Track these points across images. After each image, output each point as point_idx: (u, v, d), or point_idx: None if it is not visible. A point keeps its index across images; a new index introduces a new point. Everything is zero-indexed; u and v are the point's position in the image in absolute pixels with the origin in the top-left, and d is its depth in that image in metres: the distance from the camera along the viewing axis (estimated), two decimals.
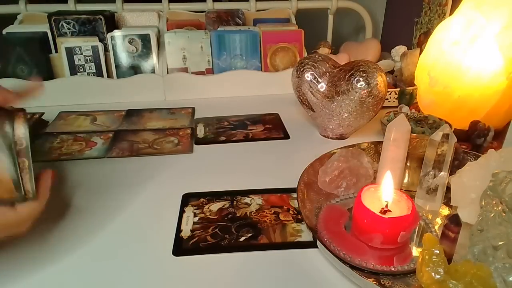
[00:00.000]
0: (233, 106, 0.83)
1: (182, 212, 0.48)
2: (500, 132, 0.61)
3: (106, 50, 0.84)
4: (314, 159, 0.56)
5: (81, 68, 0.83)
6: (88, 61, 0.83)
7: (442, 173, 0.46)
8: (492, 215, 0.35)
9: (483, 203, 0.37)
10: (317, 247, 0.42)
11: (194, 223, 0.46)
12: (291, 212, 0.49)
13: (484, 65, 0.59)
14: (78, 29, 0.85)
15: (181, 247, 0.43)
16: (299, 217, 0.47)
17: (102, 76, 0.84)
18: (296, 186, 0.49)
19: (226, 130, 0.72)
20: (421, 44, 0.89)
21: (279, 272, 0.40)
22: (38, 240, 0.43)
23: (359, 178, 0.51)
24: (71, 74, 0.83)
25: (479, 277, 0.31)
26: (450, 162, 0.46)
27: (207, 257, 0.41)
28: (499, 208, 0.35)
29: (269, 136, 0.70)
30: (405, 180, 0.53)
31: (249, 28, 0.90)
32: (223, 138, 0.69)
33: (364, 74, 0.59)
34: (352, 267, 0.38)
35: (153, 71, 0.86)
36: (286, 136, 0.70)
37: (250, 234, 0.45)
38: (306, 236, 0.44)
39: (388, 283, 0.37)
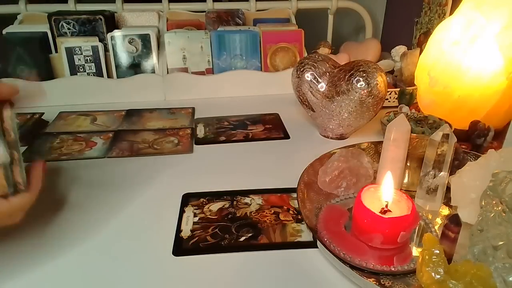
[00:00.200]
0: (233, 106, 0.83)
1: (182, 212, 0.48)
2: (500, 132, 0.61)
3: (106, 50, 0.84)
4: (314, 159, 0.56)
5: (81, 68, 0.83)
6: (88, 61, 0.83)
7: (442, 173, 0.46)
8: (492, 215, 0.35)
9: (483, 203, 0.37)
10: (317, 247, 0.42)
11: (194, 223, 0.46)
12: (291, 212, 0.49)
13: (484, 65, 0.59)
14: (78, 29, 0.85)
15: (181, 247, 0.43)
16: (299, 217, 0.47)
17: (102, 76, 0.84)
18: (296, 186, 0.49)
19: (226, 130, 0.72)
20: (421, 44, 0.89)
21: (279, 272, 0.40)
22: (38, 240, 0.43)
23: (359, 178, 0.51)
24: (71, 74, 0.83)
25: (479, 277, 0.31)
26: (450, 162, 0.46)
27: (207, 257, 0.41)
28: (499, 208, 0.35)
29: (269, 136, 0.70)
30: (405, 180, 0.53)
31: (249, 28, 0.90)
32: (223, 138, 0.69)
33: (364, 74, 0.59)
34: (352, 267, 0.38)
35: (153, 71, 0.86)
36: (286, 136, 0.70)
37: (250, 234, 0.45)
38: (306, 236, 0.44)
39: (388, 283, 0.37)
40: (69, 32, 0.84)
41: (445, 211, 0.48)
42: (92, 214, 0.48)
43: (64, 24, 0.84)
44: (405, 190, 0.52)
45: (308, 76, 0.64)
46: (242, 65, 0.89)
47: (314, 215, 0.46)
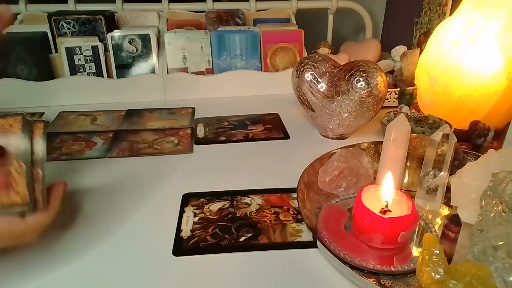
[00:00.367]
0: (233, 106, 0.83)
1: (182, 212, 0.48)
2: (500, 132, 0.61)
3: (106, 50, 0.84)
4: (314, 159, 0.56)
5: (81, 68, 0.83)
6: (88, 61, 0.83)
7: (442, 173, 0.46)
8: (492, 215, 0.35)
9: (483, 203, 0.37)
10: (317, 247, 0.42)
11: (194, 223, 0.46)
12: (291, 212, 0.49)
13: (484, 65, 0.59)
14: (78, 29, 0.85)
15: (181, 247, 0.43)
16: (299, 217, 0.47)
17: (102, 76, 0.84)
18: (296, 186, 0.49)
19: (226, 130, 0.72)
20: (421, 44, 0.89)
21: (279, 272, 0.40)
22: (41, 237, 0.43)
23: (359, 178, 0.51)
24: (71, 74, 0.83)
25: (479, 277, 0.31)
26: (450, 162, 0.46)
27: (207, 257, 0.41)
28: (499, 208, 0.35)
29: (269, 136, 0.70)
30: (405, 180, 0.53)
31: (249, 28, 0.90)
32: (223, 138, 0.69)
33: (364, 74, 0.59)
34: (352, 267, 0.38)
35: (153, 71, 0.86)
36: (286, 136, 0.70)
37: (250, 234, 0.45)
38: (306, 236, 0.44)
39: (388, 283, 0.37)
40: (69, 32, 0.84)
41: (445, 211, 0.48)
42: (92, 214, 0.48)
43: (64, 24, 0.84)
44: (405, 190, 0.52)
45: (308, 76, 0.64)
46: (242, 65, 0.89)
47: (314, 215, 0.46)
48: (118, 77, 0.85)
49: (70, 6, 0.94)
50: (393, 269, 0.38)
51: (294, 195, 0.51)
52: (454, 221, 0.36)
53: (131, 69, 0.85)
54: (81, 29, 0.85)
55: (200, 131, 0.71)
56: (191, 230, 0.45)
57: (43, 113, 0.75)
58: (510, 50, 0.57)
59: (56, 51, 0.84)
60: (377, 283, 0.36)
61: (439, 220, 0.46)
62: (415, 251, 0.41)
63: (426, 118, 0.56)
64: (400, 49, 0.86)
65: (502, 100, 0.60)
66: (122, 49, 0.84)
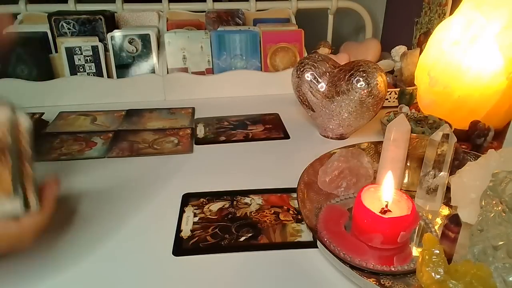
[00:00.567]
0: (233, 106, 0.83)
1: (182, 212, 0.48)
2: (500, 132, 0.61)
3: (106, 50, 0.84)
4: (314, 159, 0.56)
5: (81, 68, 0.83)
6: (88, 61, 0.83)
7: (442, 173, 0.46)
8: (492, 215, 0.35)
9: (483, 203, 0.37)
10: (317, 247, 0.42)
11: (194, 223, 0.46)
12: (291, 212, 0.49)
13: (484, 65, 0.59)
14: (78, 29, 0.85)
15: (181, 247, 0.43)
16: (299, 217, 0.47)
17: (102, 76, 0.84)
18: (296, 186, 0.49)
19: (226, 130, 0.72)
20: (421, 44, 0.89)
21: (279, 272, 0.40)
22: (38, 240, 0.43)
23: (359, 178, 0.51)
24: (71, 74, 0.83)
25: (479, 277, 0.31)
26: (450, 162, 0.46)
27: (207, 257, 0.41)
28: (499, 208, 0.35)
29: (269, 136, 0.70)
30: (405, 180, 0.53)
31: (249, 28, 0.90)
32: (223, 138, 0.69)
33: (364, 74, 0.59)
34: (352, 267, 0.38)
35: (153, 71, 0.86)
36: (286, 136, 0.70)
37: (250, 234, 0.45)
38: (306, 236, 0.44)
39: (388, 283, 0.37)
40: (69, 32, 0.84)
41: (445, 211, 0.48)
42: (92, 214, 0.48)
43: (64, 24, 0.84)
44: (405, 190, 0.52)
45: (308, 76, 0.64)
46: (242, 65, 0.89)
47: (314, 215, 0.46)
48: (118, 77, 0.85)
49: (70, 6, 0.93)
50: (393, 269, 0.38)
51: (294, 195, 0.51)
52: (454, 221, 0.36)
53: (131, 69, 0.85)
54: (81, 29, 0.85)
55: (200, 131, 0.71)
56: (191, 230, 0.45)
57: (43, 113, 0.75)
58: (510, 50, 0.57)
59: (56, 51, 0.84)
60: (377, 283, 0.36)
61: (439, 220, 0.46)
62: (415, 251, 0.41)
63: (426, 118, 0.56)
64: (400, 49, 0.86)
65: (502, 100, 0.60)
66: (122, 49, 0.84)
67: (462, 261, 0.33)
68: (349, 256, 0.39)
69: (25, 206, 0.35)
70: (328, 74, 0.64)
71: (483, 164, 0.44)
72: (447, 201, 0.48)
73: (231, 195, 0.52)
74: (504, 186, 0.35)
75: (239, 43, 0.87)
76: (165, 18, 0.94)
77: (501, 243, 0.33)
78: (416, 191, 0.49)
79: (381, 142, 0.50)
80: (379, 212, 0.40)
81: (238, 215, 0.48)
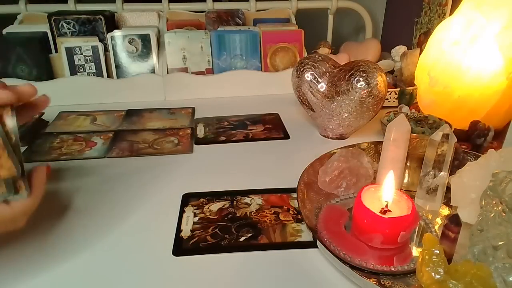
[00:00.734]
0: (233, 106, 0.83)
1: (182, 212, 0.48)
2: (500, 132, 0.61)
3: (106, 50, 0.84)
4: (314, 159, 0.56)
5: (81, 68, 0.83)
6: (88, 61, 0.83)
7: (442, 173, 0.46)
8: (492, 215, 0.35)
9: (483, 203, 0.37)
10: (317, 247, 0.42)
11: (194, 223, 0.46)
12: (291, 212, 0.49)
13: (484, 65, 0.59)
14: (78, 29, 0.85)
15: (181, 247, 0.43)
16: (299, 217, 0.47)
17: (102, 76, 0.84)
18: (296, 186, 0.49)
19: (226, 130, 0.72)
20: (421, 44, 0.89)
21: (279, 272, 0.40)
22: (37, 239, 0.43)
23: (359, 178, 0.51)
24: (71, 74, 0.83)
25: (479, 277, 0.31)
26: (450, 162, 0.46)
27: (207, 257, 0.41)
28: (499, 208, 0.35)
29: (269, 136, 0.70)
30: (405, 180, 0.53)
31: (249, 28, 0.90)
32: (223, 138, 0.69)
33: (364, 74, 0.59)
34: (352, 267, 0.38)
35: (153, 71, 0.86)
36: (286, 136, 0.70)
37: (250, 234, 0.45)
38: (306, 236, 0.44)
39: (388, 283, 0.37)
40: (69, 32, 0.84)
41: (445, 211, 0.48)
42: (92, 214, 0.48)
43: (64, 24, 0.84)
44: (405, 190, 0.52)
45: (308, 76, 0.64)
46: (242, 65, 0.89)
47: (314, 215, 0.46)
48: (118, 77, 0.85)
49: (70, 6, 0.94)
50: (393, 269, 0.38)
51: (294, 195, 0.51)
52: (454, 221, 0.36)
53: (131, 69, 0.85)
54: (81, 29, 0.85)
55: (200, 131, 0.71)
56: (191, 230, 0.45)
57: (43, 113, 0.75)
58: (510, 50, 0.57)
59: (56, 51, 0.84)
60: (377, 283, 0.36)
61: (439, 220, 0.46)
62: (415, 251, 0.41)
63: (426, 118, 0.56)
64: (400, 49, 0.86)
65: (502, 100, 0.60)
66: (122, 49, 0.84)
67: (462, 261, 0.33)
68: (349, 256, 0.39)
69: (14, 191, 0.36)
70: (328, 74, 0.64)
71: (483, 164, 0.44)
72: (447, 201, 0.48)
73: (231, 195, 0.52)
74: (504, 186, 0.35)
75: (239, 43, 0.87)
76: (165, 18, 0.94)
77: (501, 243, 0.33)
78: (416, 191, 0.49)
79: (381, 142, 0.50)
80: (379, 212, 0.40)
81: (238, 215, 0.48)
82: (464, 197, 0.44)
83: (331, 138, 0.68)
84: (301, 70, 0.64)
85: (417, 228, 0.44)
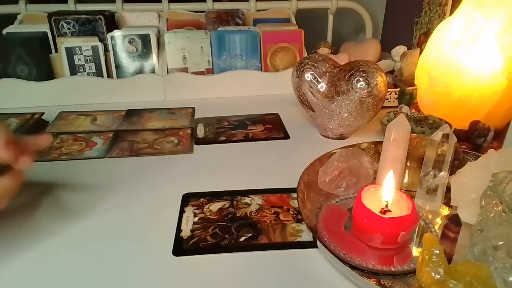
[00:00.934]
0: (233, 106, 0.83)
1: (182, 212, 0.48)
2: (500, 132, 0.61)
3: (106, 50, 0.84)
4: (314, 159, 0.56)
5: (81, 68, 0.83)
6: (88, 61, 0.83)
7: (442, 173, 0.46)
8: (492, 215, 0.35)
9: (483, 203, 0.37)
10: (317, 247, 0.42)
11: (194, 223, 0.46)
12: (291, 212, 0.49)
13: (484, 65, 0.59)
14: (78, 29, 0.85)
15: (181, 247, 0.43)
16: (299, 217, 0.47)
17: (102, 76, 0.84)
18: (296, 186, 0.49)
19: (226, 130, 0.72)
20: (421, 44, 0.89)
21: (279, 272, 0.40)
22: (37, 239, 0.43)
23: (359, 178, 0.51)
24: (71, 74, 0.83)
25: (479, 277, 0.31)
26: (450, 162, 0.46)
27: (207, 257, 0.41)
28: (499, 208, 0.35)
29: (269, 136, 0.70)
30: (405, 180, 0.53)
31: (249, 28, 0.90)
32: (223, 138, 0.69)
33: (364, 74, 0.59)
34: (352, 267, 0.37)
35: (153, 71, 0.86)
36: (286, 136, 0.70)
37: (250, 234, 0.45)
38: (306, 236, 0.44)
39: (388, 283, 0.37)
40: (69, 32, 0.84)
41: (445, 211, 0.48)
42: (92, 214, 0.48)
43: (64, 24, 0.84)
44: (405, 190, 0.52)
45: (308, 76, 0.64)
46: (242, 65, 0.89)
47: (314, 215, 0.46)
48: (118, 77, 0.85)
49: (70, 6, 0.94)
50: (393, 269, 0.38)
51: (294, 195, 0.51)
52: (454, 221, 0.36)
53: (131, 69, 0.85)
54: (81, 29, 0.85)
55: (200, 131, 0.71)
56: (191, 230, 0.45)
57: (43, 113, 0.75)
58: (510, 50, 0.57)
59: (56, 51, 0.84)
60: (377, 283, 0.36)
61: (439, 220, 0.46)
62: (415, 251, 0.41)
63: (426, 118, 0.56)
64: (400, 49, 0.86)
65: (502, 100, 0.60)
66: (122, 49, 0.84)
67: (462, 261, 0.33)
68: (349, 256, 0.39)
69: None
70: (328, 74, 0.64)
71: (483, 164, 0.44)
72: (447, 201, 0.48)
73: (231, 195, 0.52)
74: (504, 186, 0.35)
75: (239, 43, 0.87)
76: (165, 18, 0.94)
77: (501, 243, 0.33)
78: (416, 191, 0.49)
79: (381, 142, 0.50)
80: (379, 212, 0.40)
81: (238, 215, 0.48)
82: (464, 197, 0.44)
83: (331, 138, 0.68)
84: (301, 70, 0.64)
85: (417, 228, 0.44)
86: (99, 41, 0.84)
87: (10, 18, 0.90)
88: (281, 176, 0.56)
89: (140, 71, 0.86)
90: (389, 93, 0.79)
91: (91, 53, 0.83)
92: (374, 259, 0.39)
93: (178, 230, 0.45)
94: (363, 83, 0.59)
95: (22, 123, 0.71)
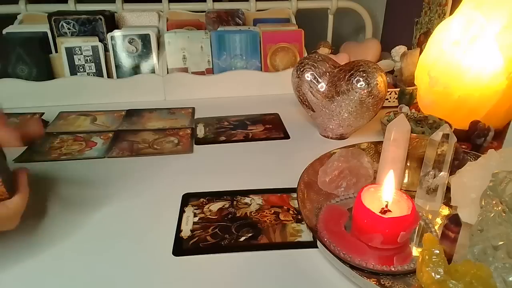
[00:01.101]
0: (233, 106, 0.83)
1: (182, 212, 0.48)
2: (500, 132, 0.61)
3: (106, 50, 0.84)
4: (314, 159, 0.56)
5: (81, 68, 0.83)
6: (88, 61, 0.83)
7: (442, 173, 0.46)
8: (492, 215, 0.35)
9: (483, 203, 0.37)
10: (317, 247, 0.42)
11: (194, 223, 0.46)
12: (291, 212, 0.49)
13: (484, 65, 0.59)
14: (78, 29, 0.85)
15: (181, 247, 0.43)
16: (299, 217, 0.47)
17: (102, 76, 0.84)
18: (296, 186, 0.49)
19: (226, 130, 0.72)
20: (421, 44, 0.89)
21: (279, 272, 0.40)
22: (36, 239, 0.43)
23: (359, 178, 0.51)
24: (71, 74, 0.83)
25: (479, 277, 0.31)
26: (450, 162, 0.46)
27: (207, 257, 0.41)
28: (499, 208, 0.35)
29: (269, 136, 0.70)
30: (405, 180, 0.53)
31: (249, 28, 0.90)
32: (223, 138, 0.69)
33: (364, 74, 0.59)
34: (352, 267, 0.37)
35: (153, 71, 0.86)
36: (286, 136, 0.70)
37: (250, 234, 0.45)
38: (306, 236, 0.44)
39: (388, 283, 0.37)
40: (69, 32, 0.84)
41: (445, 211, 0.48)
42: (92, 214, 0.48)
43: (64, 24, 0.84)
44: (405, 190, 0.52)
45: (308, 76, 0.64)
46: (242, 65, 0.89)
47: (314, 215, 0.46)
48: (118, 77, 0.85)
49: (70, 6, 0.94)
50: (393, 269, 0.38)
51: (294, 195, 0.51)
52: (454, 221, 0.36)
53: (131, 69, 0.85)
54: (81, 29, 0.85)
55: (200, 131, 0.71)
56: (191, 230, 0.45)
57: (43, 113, 0.75)
58: (510, 50, 0.57)
59: (56, 51, 0.84)
60: (377, 283, 0.36)
61: (439, 220, 0.46)
62: (415, 251, 0.41)
63: (426, 118, 0.56)
64: (400, 49, 0.86)
65: (502, 100, 0.60)
66: (122, 49, 0.84)
67: (462, 261, 0.33)
68: (349, 256, 0.39)
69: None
70: (328, 74, 0.64)
71: (483, 164, 0.44)
72: (447, 201, 0.48)
73: (231, 195, 0.52)
74: (504, 186, 0.35)
75: (239, 43, 0.87)
76: (165, 18, 0.94)
77: (501, 243, 0.33)
78: (416, 191, 0.49)
79: (381, 142, 0.50)
80: (379, 212, 0.40)
81: (238, 215, 0.48)
82: (464, 197, 0.44)
83: (331, 138, 0.68)
84: (301, 70, 0.64)
85: (417, 228, 0.44)
86: (99, 41, 0.84)
87: (10, 18, 0.90)
88: (281, 176, 0.56)
89: (140, 71, 0.86)
90: (389, 93, 0.79)
91: (91, 53, 0.83)
92: (374, 259, 0.39)
93: (178, 230, 0.45)
94: (363, 83, 0.59)
95: (22, 123, 0.71)
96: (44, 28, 0.84)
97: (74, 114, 0.77)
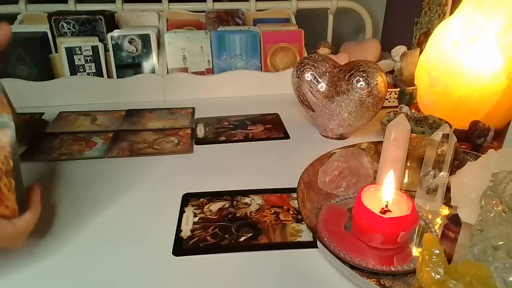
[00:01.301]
0: (233, 106, 0.83)
1: (182, 212, 0.48)
2: (500, 132, 0.61)
3: (106, 50, 0.84)
4: (314, 159, 0.56)
5: (81, 68, 0.83)
6: (88, 61, 0.83)
7: (442, 173, 0.46)
8: (492, 215, 0.35)
9: (483, 203, 0.37)
10: (317, 247, 0.42)
11: (194, 223, 0.46)
12: (291, 212, 0.49)
13: (484, 65, 0.59)
14: (78, 29, 0.85)
15: (181, 247, 0.43)
16: (299, 217, 0.47)
17: (102, 76, 0.84)
18: (296, 186, 0.49)
19: (226, 130, 0.72)
20: (421, 44, 0.89)
21: (279, 272, 0.40)
22: (37, 238, 0.43)
23: (359, 178, 0.51)
24: (71, 74, 0.83)
25: (479, 277, 0.31)
26: (450, 162, 0.46)
27: (207, 257, 0.41)
28: (499, 208, 0.35)
29: (269, 136, 0.70)
30: (405, 180, 0.53)
31: (249, 28, 0.90)
32: (223, 138, 0.69)
33: (364, 74, 0.59)
34: (352, 267, 0.38)
35: (153, 71, 0.86)
36: (286, 136, 0.70)
37: (250, 234, 0.45)
38: (306, 236, 0.44)
39: (388, 283, 0.37)
40: (69, 32, 0.84)
41: (445, 211, 0.48)
42: (92, 214, 0.48)
43: (64, 24, 0.84)
44: (405, 190, 0.52)
45: (308, 76, 0.64)
46: (242, 65, 0.89)
47: (314, 215, 0.46)
48: (118, 77, 0.85)
49: (70, 6, 0.93)
50: (393, 269, 0.38)
51: (294, 195, 0.51)
52: (454, 221, 0.36)
53: (131, 69, 0.85)
54: (81, 29, 0.85)
55: (200, 131, 0.71)
56: (191, 230, 0.45)
57: (43, 113, 0.75)
58: (510, 50, 0.57)
59: (56, 51, 0.84)
60: (377, 283, 0.36)
61: (439, 220, 0.46)
62: (415, 251, 0.41)
63: (426, 118, 0.56)
64: (400, 49, 0.86)
65: (502, 100, 0.60)
66: (122, 49, 0.84)
67: (462, 261, 0.33)
68: (349, 256, 0.39)
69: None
70: (328, 74, 0.64)
71: (483, 164, 0.44)
72: (447, 201, 0.48)
73: (231, 195, 0.52)
74: (504, 186, 0.35)
75: (239, 43, 0.87)
76: (165, 18, 0.94)
77: (501, 243, 0.33)
78: (416, 191, 0.49)
79: (381, 142, 0.50)
80: (379, 212, 0.40)
81: (238, 215, 0.48)
82: (464, 197, 0.44)
83: (331, 138, 0.68)
84: (301, 70, 0.64)
85: (417, 228, 0.44)
86: (99, 41, 0.84)
87: (10, 18, 0.90)
88: (281, 176, 0.56)
89: (140, 71, 0.86)
90: (389, 93, 0.79)
91: (91, 53, 0.83)
92: (374, 259, 0.39)
93: (178, 230, 0.45)
94: (363, 83, 0.59)
95: (22, 123, 0.71)
96: (44, 28, 0.84)
97: (74, 114, 0.77)
